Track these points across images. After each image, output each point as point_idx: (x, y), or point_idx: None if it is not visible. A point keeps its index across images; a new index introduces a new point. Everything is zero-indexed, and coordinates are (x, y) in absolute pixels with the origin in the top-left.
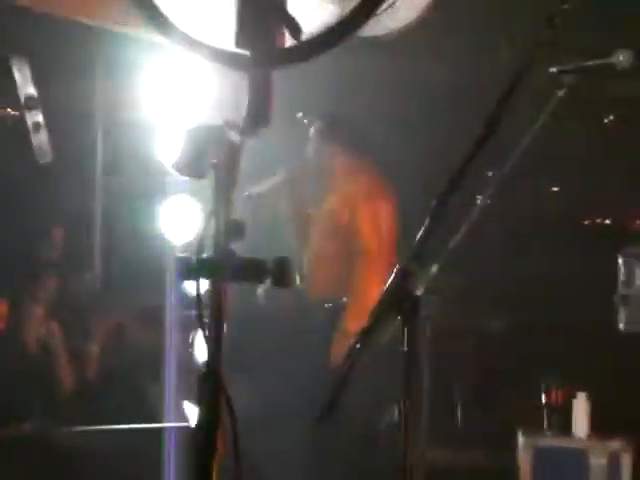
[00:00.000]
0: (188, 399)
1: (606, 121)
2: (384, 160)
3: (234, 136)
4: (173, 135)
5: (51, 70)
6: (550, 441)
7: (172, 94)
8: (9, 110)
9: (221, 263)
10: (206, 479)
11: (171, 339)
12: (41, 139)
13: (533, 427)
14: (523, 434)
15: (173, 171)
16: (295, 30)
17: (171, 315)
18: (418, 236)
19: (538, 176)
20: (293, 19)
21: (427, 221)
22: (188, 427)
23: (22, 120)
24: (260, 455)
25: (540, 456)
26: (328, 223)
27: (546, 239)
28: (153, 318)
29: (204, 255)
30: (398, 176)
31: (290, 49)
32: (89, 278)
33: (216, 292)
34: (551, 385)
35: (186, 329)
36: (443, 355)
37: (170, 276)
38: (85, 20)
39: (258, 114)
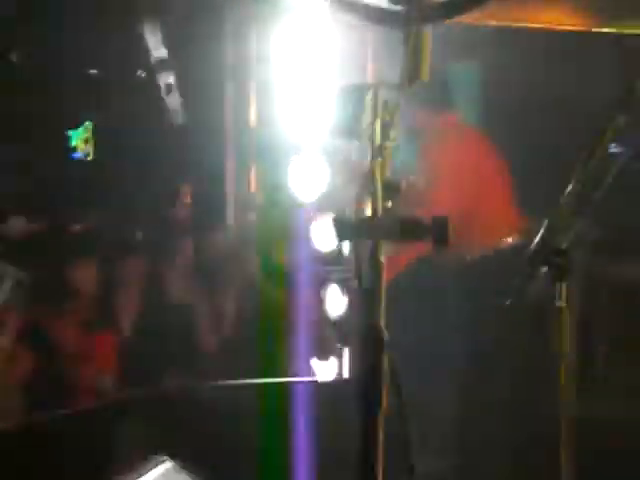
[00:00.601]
0: (317, 355)
1: None
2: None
3: (390, 94)
4: (320, 96)
5: (182, 33)
6: None
7: (305, 53)
8: (140, 72)
9: (380, 222)
10: (372, 435)
11: (301, 295)
12: (173, 101)
13: None
14: None
15: (327, 134)
16: None
17: (301, 271)
18: (567, 191)
19: None
20: None
21: (576, 175)
22: (317, 382)
23: (154, 82)
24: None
25: None
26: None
27: None
28: (284, 274)
29: (363, 215)
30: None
31: (444, 4)
32: (224, 233)
33: (374, 250)
34: None
35: (316, 285)
36: (587, 307)
37: (300, 232)
38: None
39: (414, 71)
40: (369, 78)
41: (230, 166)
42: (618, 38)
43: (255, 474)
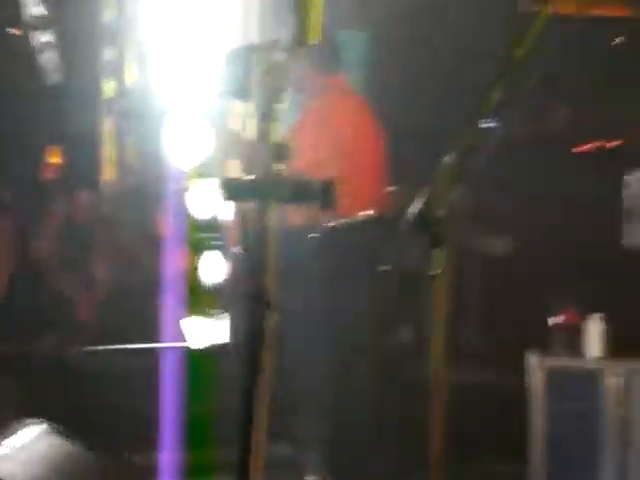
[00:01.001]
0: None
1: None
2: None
3: (280, 55)
4: (204, 58)
5: None
6: (562, 361)
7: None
8: (12, 29)
9: (269, 185)
10: (255, 395)
11: (174, 260)
12: (48, 59)
13: (545, 348)
14: (534, 355)
15: (215, 95)
16: None
17: (173, 236)
18: (444, 160)
19: (546, 97)
20: None
21: (456, 146)
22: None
23: (29, 40)
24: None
25: (552, 377)
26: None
27: (554, 160)
28: (157, 240)
29: (251, 177)
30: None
31: None
32: (96, 197)
33: (262, 214)
34: (563, 305)
35: (191, 250)
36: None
37: (173, 198)
38: None
39: (303, 33)
40: (255, 39)
41: (106, 129)
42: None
43: (127, 436)
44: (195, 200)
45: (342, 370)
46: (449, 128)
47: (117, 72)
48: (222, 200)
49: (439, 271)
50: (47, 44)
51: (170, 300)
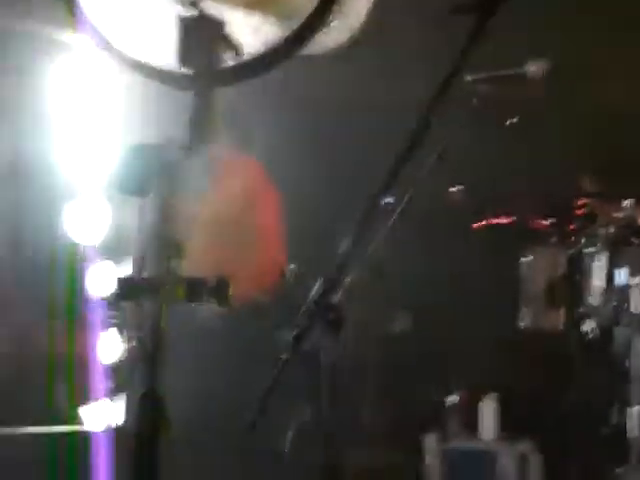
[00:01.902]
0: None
1: (508, 123)
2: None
3: (176, 154)
4: (107, 151)
5: None
6: (458, 442)
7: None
8: None
9: (163, 283)
10: None
11: (82, 340)
12: None
13: (440, 428)
14: (430, 435)
15: (111, 189)
16: (235, 50)
17: (80, 316)
18: (344, 246)
19: (439, 176)
20: (234, 39)
21: (354, 229)
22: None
23: None
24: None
25: (448, 457)
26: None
27: (448, 239)
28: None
29: (145, 275)
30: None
31: (232, 68)
32: None
33: (156, 311)
34: (457, 385)
35: (91, 330)
36: (349, 356)
37: (78, 277)
38: None
39: (201, 132)
40: (152, 135)
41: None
42: None
43: None
44: (95, 277)
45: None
46: (343, 204)
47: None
48: (118, 298)
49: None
50: None
51: (79, 380)
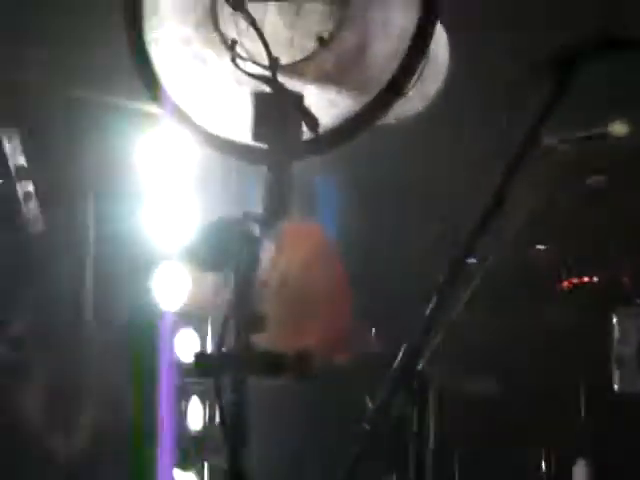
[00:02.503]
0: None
1: (589, 181)
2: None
3: (254, 229)
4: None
5: (42, 142)
6: None
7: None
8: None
9: (242, 358)
10: None
11: (167, 407)
12: (31, 208)
13: None
14: None
15: (190, 263)
16: (312, 123)
17: (163, 382)
18: (428, 310)
19: (524, 235)
20: (310, 113)
21: (435, 295)
22: None
23: (12, 190)
24: None
25: None
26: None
27: (536, 300)
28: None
29: (224, 350)
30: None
31: (308, 142)
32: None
33: (238, 385)
34: (549, 451)
35: (177, 397)
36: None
37: (163, 344)
38: None
39: (277, 207)
40: (232, 208)
41: (90, 275)
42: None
43: None
44: (181, 344)
45: None
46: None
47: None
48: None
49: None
50: (29, 194)
51: (159, 450)
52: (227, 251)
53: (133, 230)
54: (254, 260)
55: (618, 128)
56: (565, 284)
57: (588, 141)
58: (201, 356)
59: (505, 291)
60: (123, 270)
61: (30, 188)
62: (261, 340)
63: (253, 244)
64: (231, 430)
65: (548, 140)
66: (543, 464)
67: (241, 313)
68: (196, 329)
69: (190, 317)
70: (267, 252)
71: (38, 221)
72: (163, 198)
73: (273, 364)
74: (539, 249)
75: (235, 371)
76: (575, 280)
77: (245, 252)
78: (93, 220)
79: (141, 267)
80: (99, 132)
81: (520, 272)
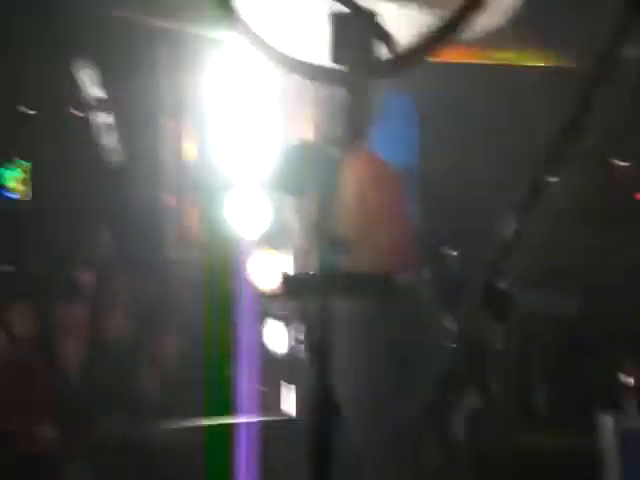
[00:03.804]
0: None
1: None
2: None
3: (332, 152)
4: (265, 150)
5: (116, 73)
6: (636, 424)
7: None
8: (75, 111)
9: (328, 279)
10: None
11: (245, 331)
12: (111, 140)
13: (616, 408)
14: (607, 416)
15: (271, 188)
16: (390, 43)
17: (243, 307)
18: (507, 228)
19: (605, 152)
20: (387, 33)
21: (518, 210)
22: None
23: (89, 122)
24: None
25: (627, 439)
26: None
27: (618, 218)
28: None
29: (310, 271)
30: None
31: (387, 62)
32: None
33: (323, 308)
34: (633, 364)
35: (258, 321)
36: (521, 337)
37: (240, 267)
38: None
39: (356, 129)
40: (307, 130)
41: (168, 203)
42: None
43: None
44: (259, 270)
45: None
46: (506, 189)
47: (177, 146)
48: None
49: (501, 346)
50: (107, 125)
51: (243, 371)
52: (308, 175)
53: (213, 158)
54: (334, 183)
55: None
56: None
57: None
58: (288, 278)
59: (581, 210)
60: (200, 196)
61: (109, 119)
62: (344, 261)
63: (333, 167)
64: (317, 351)
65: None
66: (627, 378)
67: (324, 235)
68: (277, 255)
69: (270, 243)
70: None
71: (118, 152)
72: (242, 123)
73: (360, 284)
74: (620, 165)
75: (322, 292)
76: None
77: (326, 175)
78: (169, 148)
79: (219, 193)
80: (178, 61)
81: (602, 190)
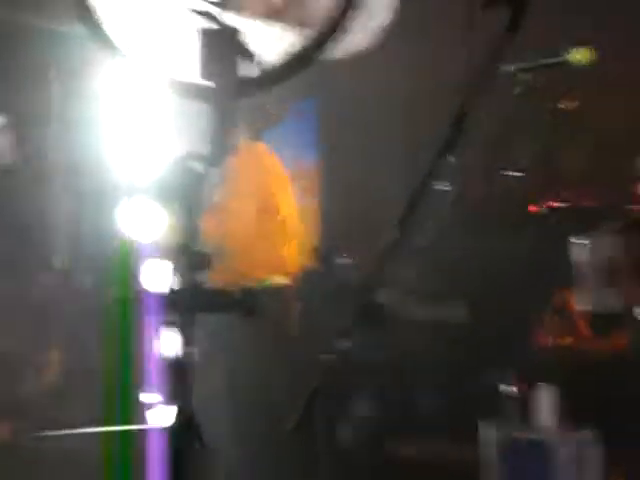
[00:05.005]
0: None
1: (561, 106)
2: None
3: (197, 167)
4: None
5: (6, 74)
6: (514, 432)
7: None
8: None
9: (188, 297)
10: None
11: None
12: (4, 141)
13: (496, 418)
14: (485, 425)
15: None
16: (253, 59)
17: (140, 313)
18: (392, 235)
19: (491, 160)
20: (251, 49)
21: (403, 217)
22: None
23: None
24: None
25: (504, 448)
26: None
27: (499, 225)
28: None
29: (173, 288)
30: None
31: (253, 79)
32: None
33: (186, 325)
34: (513, 374)
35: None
36: (403, 347)
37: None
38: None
39: (222, 144)
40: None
41: (61, 209)
42: None
43: None
44: (154, 274)
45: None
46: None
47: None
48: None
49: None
50: (1, 126)
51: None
52: (172, 188)
53: (98, 161)
54: (198, 197)
55: (578, 56)
56: (536, 208)
57: (547, 69)
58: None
59: (475, 217)
60: (91, 204)
61: (1, 121)
62: (208, 277)
63: (197, 181)
64: (176, 369)
65: (505, 68)
66: (507, 387)
67: (186, 251)
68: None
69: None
70: (213, 189)
71: (10, 153)
72: (125, 130)
73: (221, 301)
74: (509, 175)
75: (184, 309)
76: (538, 205)
77: (188, 189)
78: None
79: (109, 200)
80: (64, 63)
81: (491, 198)
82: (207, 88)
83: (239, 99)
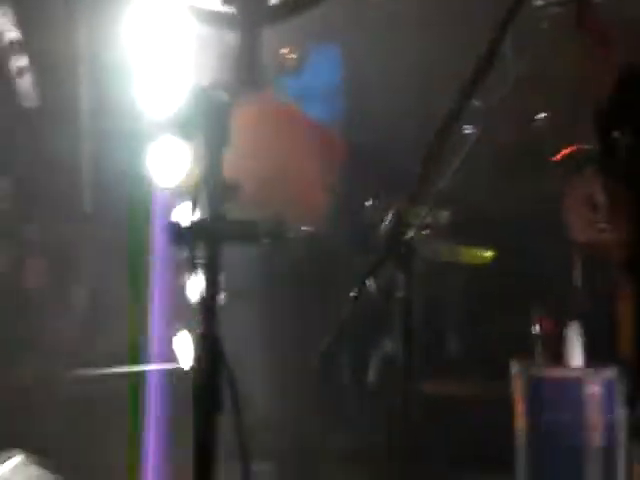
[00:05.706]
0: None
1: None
2: None
3: (223, 96)
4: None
5: (34, 16)
6: (543, 371)
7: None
8: None
9: (214, 226)
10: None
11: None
12: (25, 83)
13: (526, 357)
14: (516, 364)
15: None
16: None
17: (158, 256)
18: (417, 177)
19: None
20: None
21: (423, 162)
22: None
23: (5, 64)
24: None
25: (534, 386)
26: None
27: (533, 166)
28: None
29: (196, 219)
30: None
31: (277, 6)
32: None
33: (210, 255)
34: (542, 313)
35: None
36: (434, 290)
37: (157, 218)
38: None
39: (247, 74)
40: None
41: (85, 150)
42: None
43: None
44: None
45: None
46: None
47: (97, 92)
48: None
49: (402, 294)
50: (23, 68)
51: (158, 318)
52: (199, 120)
53: (127, 104)
54: (225, 129)
55: None
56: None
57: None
58: (172, 225)
59: (497, 158)
60: (118, 146)
61: (24, 62)
62: (234, 208)
63: (224, 112)
64: (203, 298)
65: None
66: (536, 327)
67: (212, 182)
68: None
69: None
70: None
71: (32, 96)
72: (155, 68)
73: (247, 231)
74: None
75: (208, 240)
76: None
77: (216, 120)
78: (87, 96)
79: (137, 142)
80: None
81: (518, 141)
82: (231, 15)
83: (263, 26)
